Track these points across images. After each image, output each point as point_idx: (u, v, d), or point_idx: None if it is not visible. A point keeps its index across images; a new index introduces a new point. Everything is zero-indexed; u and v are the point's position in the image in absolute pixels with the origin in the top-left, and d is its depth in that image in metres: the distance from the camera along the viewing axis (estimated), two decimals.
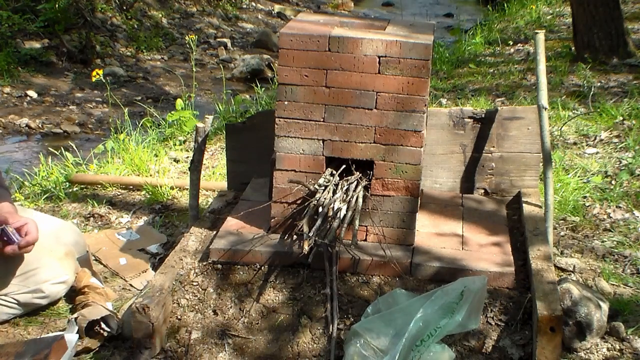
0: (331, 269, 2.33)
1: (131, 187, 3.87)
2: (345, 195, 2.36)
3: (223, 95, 5.70)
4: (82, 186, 3.92)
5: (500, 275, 2.32)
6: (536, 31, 2.74)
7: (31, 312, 2.59)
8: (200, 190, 2.99)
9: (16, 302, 2.50)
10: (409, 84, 2.30)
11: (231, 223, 2.60)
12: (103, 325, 2.39)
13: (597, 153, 3.97)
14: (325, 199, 2.33)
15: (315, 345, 2.24)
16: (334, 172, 2.44)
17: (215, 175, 4.02)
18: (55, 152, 4.46)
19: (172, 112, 5.06)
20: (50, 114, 6.65)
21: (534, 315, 2.15)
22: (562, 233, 3.11)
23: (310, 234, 2.20)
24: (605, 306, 2.35)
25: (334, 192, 2.36)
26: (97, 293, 2.59)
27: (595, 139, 4.16)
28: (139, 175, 4.08)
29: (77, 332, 2.34)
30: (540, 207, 2.75)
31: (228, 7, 11.07)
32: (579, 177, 3.63)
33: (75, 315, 2.42)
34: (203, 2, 10.79)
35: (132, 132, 4.66)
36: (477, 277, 2.21)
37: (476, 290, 2.14)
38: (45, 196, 3.78)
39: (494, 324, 2.24)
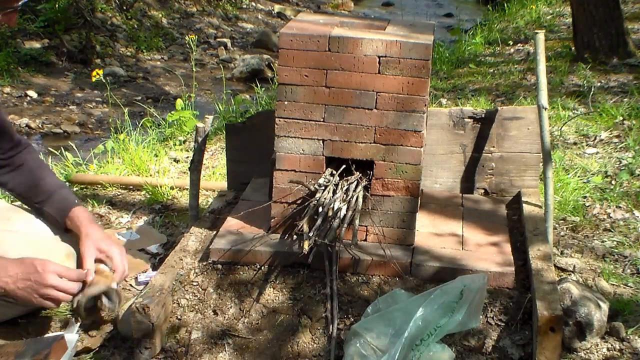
0: (331, 269, 2.33)
1: (131, 187, 3.87)
2: (345, 195, 2.36)
3: (223, 95, 5.70)
4: (82, 186, 3.92)
5: (501, 275, 2.32)
6: (536, 31, 2.74)
7: (31, 312, 2.59)
8: (200, 190, 2.99)
9: (17, 301, 2.50)
10: (409, 84, 2.30)
11: (231, 223, 2.60)
12: (104, 301, 2.30)
13: (597, 153, 3.97)
14: (325, 199, 2.33)
15: (315, 345, 2.24)
16: (334, 172, 2.44)
17: (215, 175, 4.02)
18: (55, 152, 4.46)
19: (172, 112, 5.07)
20: (50, 114, 6.66)
21: (534, 315, 2.15)
22: (562, 233, 3.11)
23: (310, 234, 2.20)
24: (605, 306, 2.35)
25: (334, 192, 2.36)
26: (103, 276, 2.55)
27: (595, 139, 4.16)
28: (139, 175, 4.08)
29: (76, 315, 2.28)
30: (540, 207, 2.75)
31: (228, 7, 11.07)
32: (579, 177, 3.63)
33: (78, 297, 2.35)
34: (203, 2, 10.79)
35: (132, 132, 4.66)
36: (477, 276, 2.21)
37: (476, 289, 2.14)
38: None
39: (494, 323, 2.24)
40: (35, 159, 2.62)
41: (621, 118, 4.41)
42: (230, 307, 2.34)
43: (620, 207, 3.34)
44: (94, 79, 5.13)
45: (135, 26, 9.28)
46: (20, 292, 2.21)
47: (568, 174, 3.65)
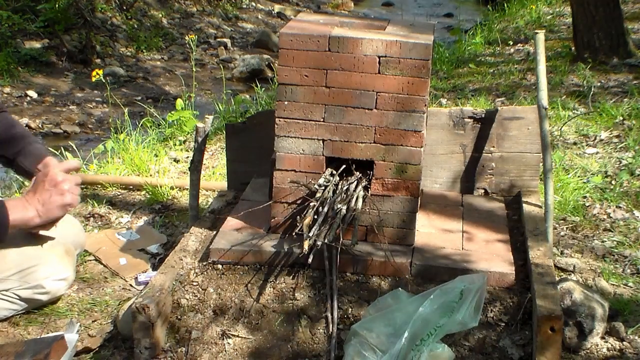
0: (331, 269, 2.33)
1: (131, 187, 3.87)
2: (345, 195, 2.36)
3: (223, 95, 5.70)
4: (82, 186, 3.91)
5: (501, 275, 2.32)
6: (536, 31, 2.74)
7: (31, 311, 2.59)
8: (200, 190, 2.99)
9: (17, 297, 2.51)
10: (409, 84, 2.30)
11: (231, 223, 2.60)
12: None
13: (597, 153, 3.97)
14: (325, 199, 2.33)
15: (315, 345, 2.24)
16: (334, 172, 2.44)
17: (215, 175, 4.02)
18: (55, 152, 4.46)
19: (172, 112, 5.06)
20: (50, 114, 6.66)
21: (534, 315, 2.15)
22: (562, 233, 3.11)
23: (310, 234, 2.20)
24: (605, 306, 2.36)
25: (334, 192, 2.36)
26: None
27: (595, 139, 4.16)
28: (139, 175, 4.08)
29: None
30: (540, 207, 2.75)
31: (228, 7, 11.07)
32: (579, 177, 3.63)
33: None
34: (203, 2, 10.79)
35: (132, 132, 4.65)
36: (476, 276, 2.21)
37: (475, 289, 2.15)
38: None
39: (494, 324, 2.24)
40: (8, 119, 2.69)
41: (621, 118, 4.41)
42: (230, 307, 2.34)
43: (620, 207, 3.34)
44: (94, 79, 5.12)
45: (135, 26, 9.28)
46: (53, 205, 2.40)
47: (568, 174, 3.65)
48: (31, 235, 2.53)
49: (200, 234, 2.69)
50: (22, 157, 2.59)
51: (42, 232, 2.54)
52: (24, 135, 2.67)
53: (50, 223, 2.47)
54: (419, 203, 2.49)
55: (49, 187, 2.39)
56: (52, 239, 2.60)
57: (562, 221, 3.21)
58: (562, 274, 2.76)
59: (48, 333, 2.48)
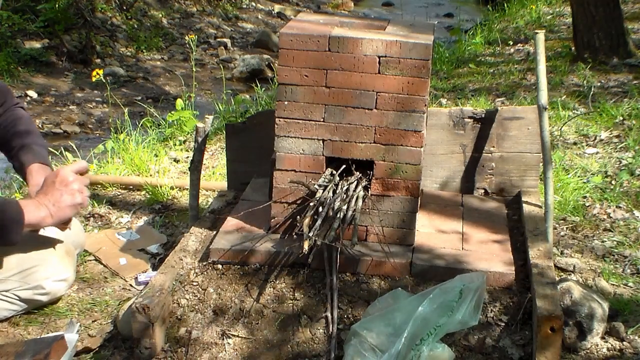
0: (331, 269, 2.33)
1: (131, 187, 3.87)
2: (345, 195, 2.36)
3: (223, 95, 5.70)
4: None
5: (501, 275, 2.32)
6: (536, 31, 2.74)
7: (31, 311, 2.59)
8: (200, 190, 2.99)
9: (17, 298, 2.51)
10: (409, 84, 2.30)
11: (231, 223, 2.60)
12: None
13: (597, 153, 3.97)
14: (325, 199, 2.33)
15: (315, 345, 2.24)
16: (334, 172, 2.44)
17: (215, 175, 4.02)
18: (55, 152, 4.46)
19: (172, 112, 5.06)
20: (50, 114, 6.66)
21: (534, 315, 2.15)
22: (562, 233, 3.11)
23: (310, 234, 2.20)
24: (605, 306, 2.36)
25: (334, 192, 2.36)
26: None
27: (595, 139, 4.16)
28: (139, 175, 4.08)
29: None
30: (540, 207, 2.75)
31: (228, 7, 11.07)
32: (579, 177, 3.63)
33: None
34: (203, 2, 10.79)
35: (132, 132, 4.65)
36: (476, 275, 2.21)
37: (475, 288, 2.15)
38: None
39: (493, 323, 2.24)
40: (15, 116, 2.68)
41: (621, 118, 4.41)
42: (230, 307, 2.34)
43: (620, 207, 3.34)
44: (94, 79, 5.12)
45: (135, 26, 9.28)
46: (64, 204, 2.38)
47: (568, 174, 3.65)
48: (31, 236, 2.53)
49: (200, 234, 2.69)
50: (16, 159, 2.61)
51: (57, 234, 2.57)
52: (29, 132, 2.66)
53: (63, 224, 2.46)
54: (419, 203, 2.49)
55: (60, 187, 2.39)
56: (52, 239, 2.60)
57: (562, 221, 3.21)
58: (562, 274, 2.76)
59: (48, 333, 2.48)
